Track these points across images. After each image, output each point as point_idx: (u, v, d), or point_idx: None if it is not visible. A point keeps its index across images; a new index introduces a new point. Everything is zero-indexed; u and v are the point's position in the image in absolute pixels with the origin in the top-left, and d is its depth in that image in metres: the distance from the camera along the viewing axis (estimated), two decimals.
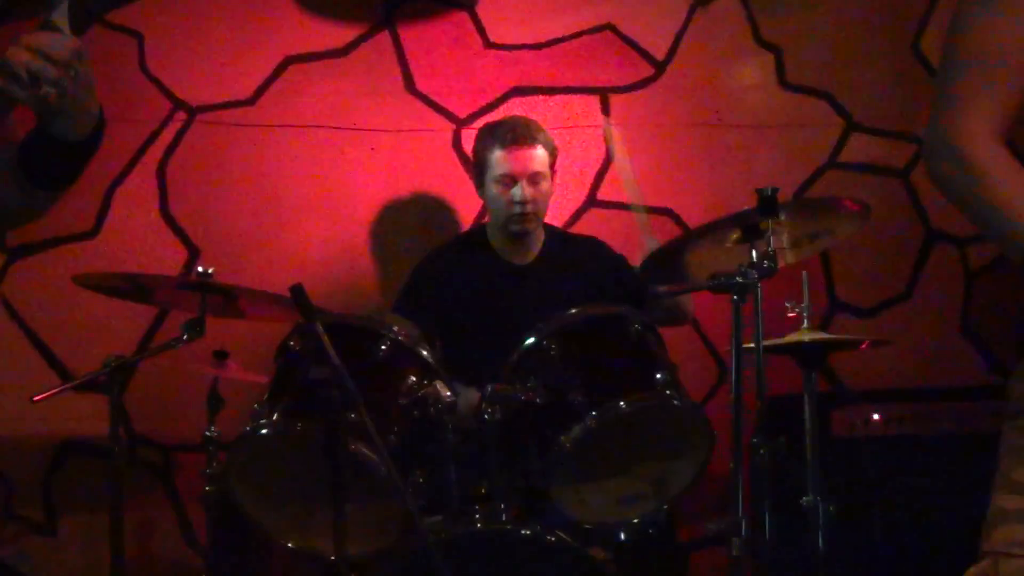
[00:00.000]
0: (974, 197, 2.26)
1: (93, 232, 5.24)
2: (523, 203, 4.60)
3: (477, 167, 4.75)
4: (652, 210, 5.19)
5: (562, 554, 3.75)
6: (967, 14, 2.33)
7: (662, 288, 4.45)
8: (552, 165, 4.69)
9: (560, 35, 5.46)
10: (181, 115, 5.30)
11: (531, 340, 3.92)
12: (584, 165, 5.41)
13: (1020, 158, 2.31)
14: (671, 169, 5.42)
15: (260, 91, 5.33)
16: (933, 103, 2.33)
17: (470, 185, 4.88)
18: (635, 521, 3.96)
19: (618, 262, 4.81)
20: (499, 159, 4.62)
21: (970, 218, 2.32)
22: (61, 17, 2.11)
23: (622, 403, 3.84)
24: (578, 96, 5.45)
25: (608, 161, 5.37)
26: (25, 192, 2.34)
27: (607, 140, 4.60)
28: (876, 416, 4.87)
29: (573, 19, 5.47)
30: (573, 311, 4.00)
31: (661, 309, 4.65)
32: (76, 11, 2.12)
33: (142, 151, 5.28)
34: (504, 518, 3.80)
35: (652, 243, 4.48)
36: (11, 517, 5.12)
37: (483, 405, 3.84)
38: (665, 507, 3.98)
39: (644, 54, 5.50)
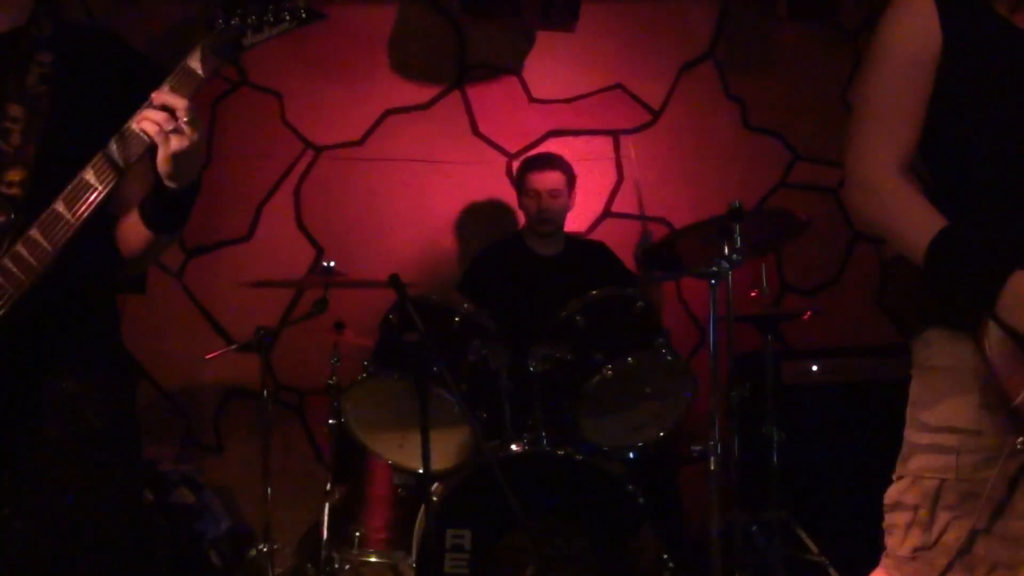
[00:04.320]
0: (881, 219, 2.22)
1: (247, 237, 5.25)
2: (545, 211, 4.63)
3: (517, 186, 4.79)
4: (650, 219, 5.17)
5: (587, 468, 3.75)
6: (868, 74, 2.28)
7: (659, 274, 4.42)
8: (570, 186, 4.70)
9: (584, 92, 5.41)
10: (310, 153, 5.30)
11: (564, 313, 3.91)
12: (601, 187, 5.36)
13: (925, 183, 2.27)
14: (666, 189, 5.37)
15: (367, 134, 5.32)
16: (847, 146, 2.28)
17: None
18: (640, 444, 3.95)
19: (616, 260, 4.78)
20: (529, 179, 4.68)
21: (879, 234, 2.28)
22: (194, 61, 2.09)
23: (630, 359, 3.86)
24: (597, 137, 5.40)
25: (619, 183, 5.35)
26: (146, 240, 2.29)
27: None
28: (815, 368, 4.84)
29: (593, 80, 5.43)
30: (594, 292, 3.97)
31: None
32: (204, 58, 2.10)
33: (283, 179, 5.28)
34: (544, 443, 3.80)
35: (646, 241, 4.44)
36: (191, 442, 5.16)
37: (528, 361, 3.84)
38: (662, 434, 3.96)
39: (645, 105, 5.45)
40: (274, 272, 4.96)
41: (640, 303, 3.97)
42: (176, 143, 2.07)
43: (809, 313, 4.70)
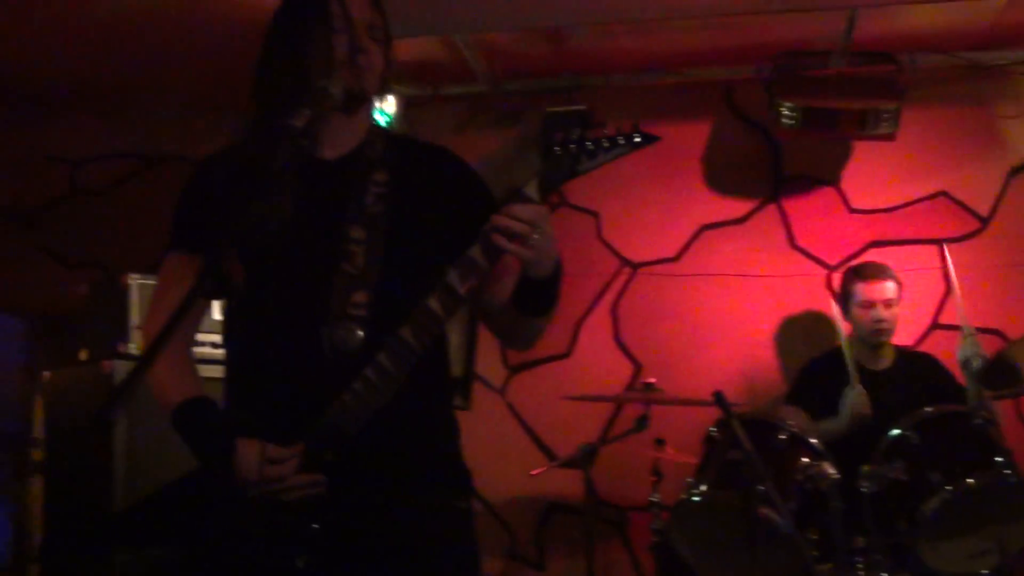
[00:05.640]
0: None
1: (567, 354, 5.33)
2: (880, 321, 4.51)
3: (843, 297, 4.68)
4: (982, 331, 4.89)
5: None
6: None
7: (997, 392, 4.17)
8: (898, 296, 4.56)
9: (906, 201, 5.23)
10: (627, 270, 5.36)
11: (896, 431, 3.75)
12: (927, 298, 5.13)
13: None
14: (997, 298, 5.08)
15: (682, 250, 5.34)
16: None
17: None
18: (984, 572, 3.71)
19: (948, 374, 4.56)
20: (861, 290, 4.56)
21: None
22: (531, 189, 2.12)
23: (970, 480, 3.66)
24: (921, 246, 5.19)
25: (947, 293, 5.10)
26: (520, 324, 2.33)
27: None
28: None
29: (915, 188, 5.24)
30: (929, 408, 3.81)
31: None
32: (542, 186, 2.12)
33: (600, 296, 5.35)
34: (880, 567, 3.62)
35: (976, 359, 4.19)
36: (514, 557, 5.22)
37: (860, 481, 3.70)
38: (1008, 561, 3.70)
39: (972, 212, 5.20)
40: (593, 389, 4.98)
41: (978, 420, 3.76)
42: (527, 252, 2.12)
43: None
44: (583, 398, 4.42)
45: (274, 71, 2.28)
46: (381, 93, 2.38)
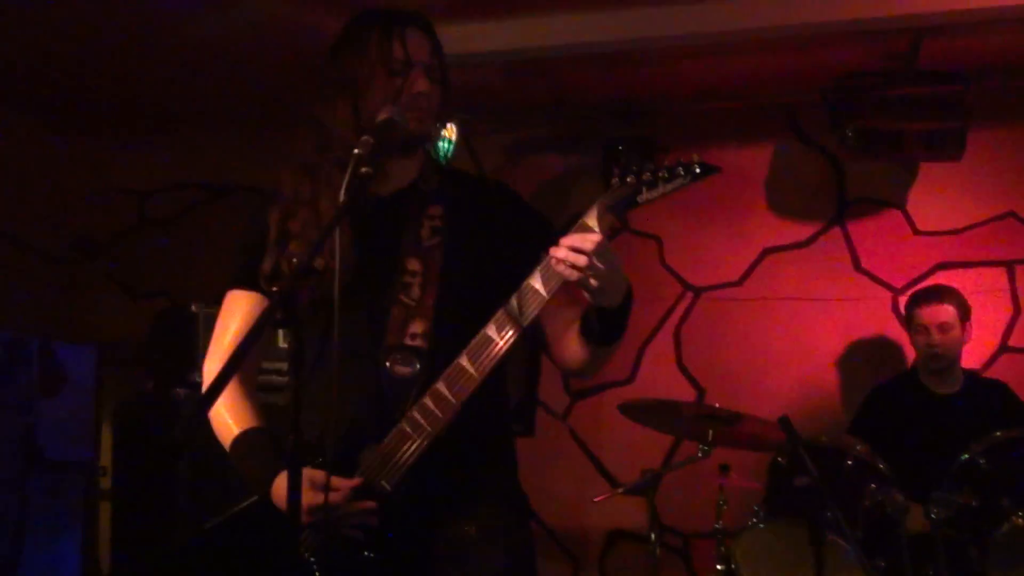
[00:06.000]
0: None
1: (629, 379, 5.34)
2: (933, 346, 4.45)
3: (907, 321, 4.64)
4: None
5: None
6: None
7: None
8: (963, 319, 4.48)
9: (972, 222, 5.17)
10: (689, 295, 5.35)
11: (965, 456, 3.70)
12: (996, 320, 5.06)
13: None
14: None
15: (746, 275, 5.32)
16: None
17: (906, 337, 4.75)
18: None
19: (1018, 401, 4.49)
20: (918, 314, 4.52)
21: None
22: (591, 219, 2.12)
23: None
24: (989, 268, 5.12)
25: (1015, 316, 5.02)
26: (584, 353, 2.31)
27: None
28: None
29: (982, 210, 5.18)
30: (998, 433, 3.75)
31: None
32: (601, 213, 2.12)
33: (663, 321, 5.35)
34: None
35: None
36: None
37: (929, 507, 3.64)
38: None
39: None
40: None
41: None
42: (591, 281, 2.11)
43: None
44: (639, 404, 4.32)
45: (334, 106, 2.29)
46: (438, 129, 2.40)
